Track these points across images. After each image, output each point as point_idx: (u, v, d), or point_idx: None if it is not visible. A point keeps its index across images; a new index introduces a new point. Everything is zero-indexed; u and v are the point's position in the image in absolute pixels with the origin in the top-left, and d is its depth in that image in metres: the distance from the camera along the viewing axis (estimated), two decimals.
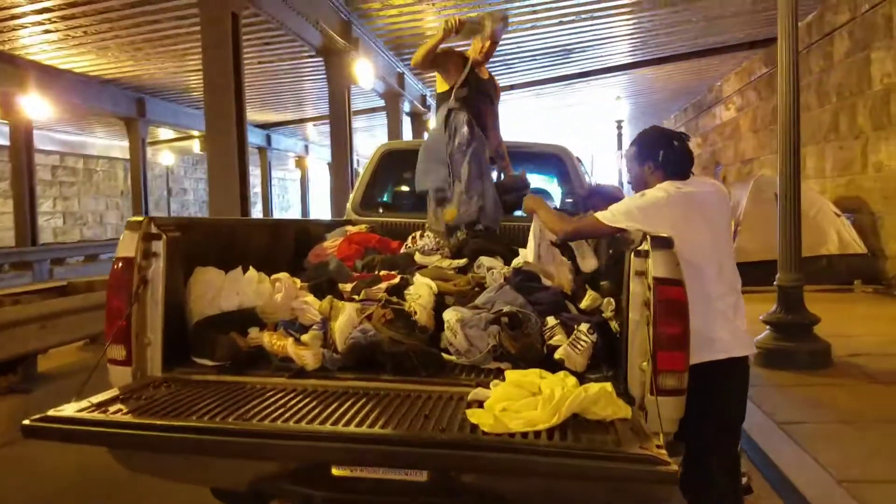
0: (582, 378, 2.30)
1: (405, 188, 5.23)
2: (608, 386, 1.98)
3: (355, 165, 14.61)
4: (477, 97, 4.35)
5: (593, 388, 1.93)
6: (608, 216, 2.64)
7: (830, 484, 3.33)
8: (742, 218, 10.03)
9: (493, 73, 4.62)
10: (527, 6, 11.05)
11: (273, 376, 2.38)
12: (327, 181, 36.99)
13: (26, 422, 1.87)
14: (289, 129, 26.92)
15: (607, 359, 2.44)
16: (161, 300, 2.42)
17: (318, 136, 30.34)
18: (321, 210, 39.08)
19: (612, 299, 2.94)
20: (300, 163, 31.91)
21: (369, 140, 26.26)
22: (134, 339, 2.36)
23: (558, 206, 5.13)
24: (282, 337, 2.54)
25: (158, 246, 2.42)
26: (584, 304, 2.93)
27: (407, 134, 17.32)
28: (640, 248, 2.20)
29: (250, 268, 2.83)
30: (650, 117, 22.43)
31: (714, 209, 2.66)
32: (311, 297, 2.85)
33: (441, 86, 4.45)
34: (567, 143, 5.25)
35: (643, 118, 21.37)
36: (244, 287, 2.77)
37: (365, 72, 11.93)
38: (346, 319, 2.56)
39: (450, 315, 2.57)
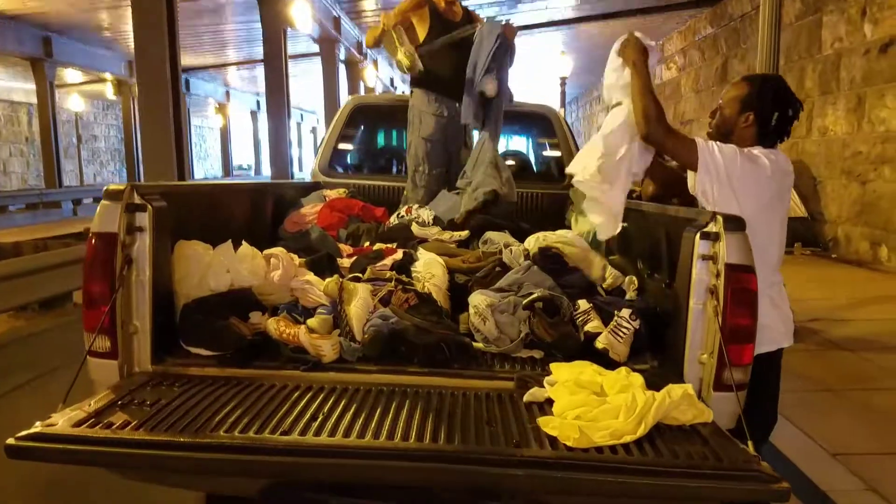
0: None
1: (378, 147, 4.90)
2: (689, 387, 1.79)
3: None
4: (451, 48, 4.04)
5: (676, 390, 1.73)
6: (706, 148, 2.25)
7: (826, 458, 3.32)
8: None
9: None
10: None
11: (284, 369, 2.08)
12: (250, 129, 35.78)
13: (11, 441, 1.51)
14: (209, 73, 25.49)
15: (651, 347, 2.25)
16: (149, 282, 2.06)
17: (241, 82, 28.97)
18: (245, 159, 37.66)
19: (634, 277, 2.76)
20: (221, 109, 30.41)
21: (293, 87, 25.21)
22: (119, 327, 2.00)
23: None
24: (290, 323, 2.23)
25: (143, 219, 2.05)
26: (604, 283, 2.74)
27: (343, 83, 16.63)
28: (707, 229, 1.99)
29: (243, 243, 2.48)
30: (589, 74, 22.36)
31: (790, 189, 2.43)
32: (312, 276, 2.53)
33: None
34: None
35: (582, 75, 21.30)
36: (237, 264, 2.42)
37: (302, 13, 11.25)
38: (362, 304, 2.27)
39: (479, 300, 2.32)
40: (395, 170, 4.79)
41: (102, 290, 1.98)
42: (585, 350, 2.23)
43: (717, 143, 2.30)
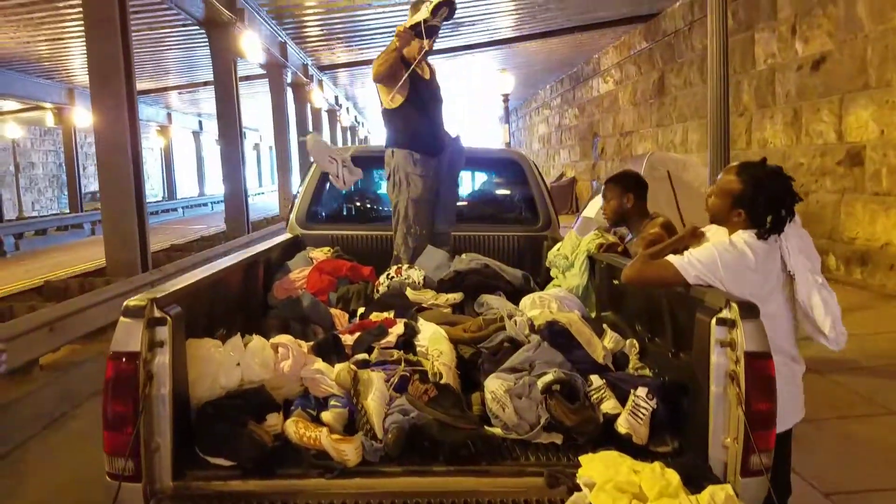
0: (649, 453, 2.16)
1: (355, 197, 4.88)
2: (729, 488, 1.83)
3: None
4: (429, 103, 4.10)
5: (718, 494, 1.77)
6: (686, 265, 2.29)
7: (820, 500, 3.35)
8: None
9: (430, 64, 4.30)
10: None
11: (309, 476, 2.04)
12: (192, 149, 35.18)
13: None
14: (150, 97, 24.96)
15: (669, 426, 2.29)
16: (169, 396, 2.01)
17: (182, 104, 28.51)
18: (189, 182, 36.96)
19: (635, 341, 2.81)
20: (163, 132, 29.84)
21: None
22: (143, 447, 1.95)
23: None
24: (309, 425, 2.20)
25: (163, 332, 2.00)
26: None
27: (290, 105, 16.47)
28: (722, 315, 2.05)
29: (254, 336, 2.45)
30: (528, 87, 22.76)
31: (801, 254, 2.41)
32: (321, 364, 2.51)
33: (386, 101, 4.10)
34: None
35: (520, 88, 21.63)
36: (248, 359, 2.38)
37: (252, 44, 11.11)
38: (379, 397, 2.26)
39: (496, 385, 2.33)
40: (373, 218, 4.80)
41: (125, 411, 1.92)
42: (605, 431, 2.27)
43: (692, 254, 2.32)
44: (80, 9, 9.96)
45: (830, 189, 9.00)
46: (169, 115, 29.52)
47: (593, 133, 19.02)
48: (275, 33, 13.61)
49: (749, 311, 2.00)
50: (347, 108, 27.38)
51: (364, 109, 33.63)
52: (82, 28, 12.05)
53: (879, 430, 4.21)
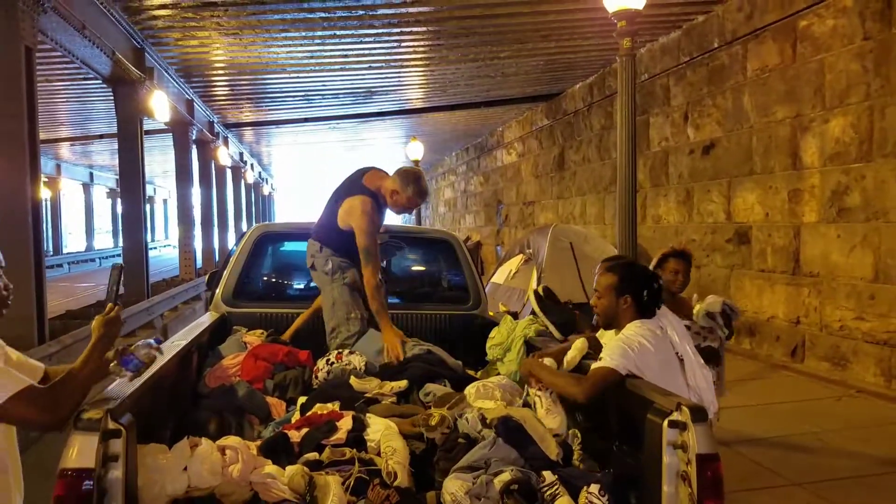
0: None
1: (284, 274, 4.79)
2: None
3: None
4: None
5: None
6: (615, 364, 2.61)
7: None
8: (544, 264, 10.61)
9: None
10: (339, 50, 10.87)
11: None
12: (82, 203, 33.56)
13: None
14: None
15: None
16: None
17: (73, 156, 27.26)
18: (77, 235, 35.06)
19: (577, 431, 2.89)
20: (51, 184, 28.35)
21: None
22: None
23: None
24: None
25: (118, 445, 1.89)
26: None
27: (195, 162, 16.08)
28: (674, 417, 2.16)
29: (203, 440, 2.34)
30: (435, 154, 23.37)
31: (684, 340, 2.82)
32: (272, 467, 2.42)
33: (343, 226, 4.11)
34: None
35: (428, 155, 22.19)
36: (195, 464, 2.27)
37: (160, 104, 10.84)
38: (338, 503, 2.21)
39: (455, 486, 2.33)
40: (305, 296, 4.71)
41: None
42: None
43: (612, 357, 2.62)
44: None
45: (721, 264, 9.61)
46: (58, 166, 28.14)
47: (497, 200, 19.61)
48: (182, 91, 13.35)
49: (699, 414, 2.13)
50: (252, 165, 27.00)
51: (269, 167, 33.27)
52: None
53: (785, 501, 4.45)
